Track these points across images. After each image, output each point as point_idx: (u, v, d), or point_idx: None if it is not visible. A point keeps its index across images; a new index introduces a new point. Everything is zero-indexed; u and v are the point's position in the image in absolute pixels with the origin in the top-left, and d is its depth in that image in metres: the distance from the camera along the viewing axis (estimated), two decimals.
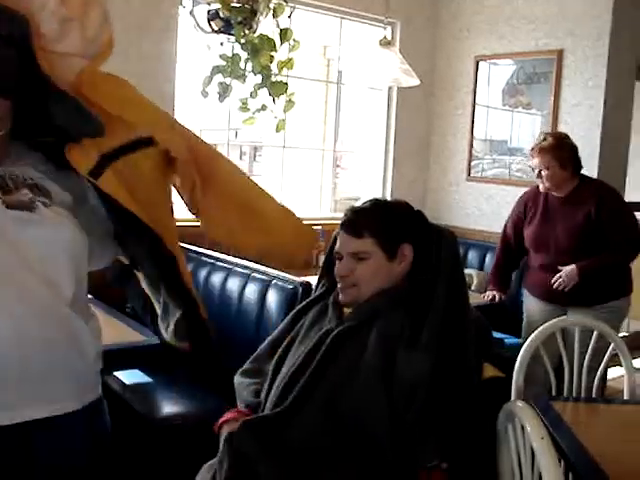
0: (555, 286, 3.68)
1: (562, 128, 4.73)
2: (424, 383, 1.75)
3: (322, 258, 4.71)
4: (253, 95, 3.95)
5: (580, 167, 3.76)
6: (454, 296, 1.90)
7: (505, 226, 4.06)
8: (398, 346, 1.81)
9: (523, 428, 1.69)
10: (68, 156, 1.50)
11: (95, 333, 1.61)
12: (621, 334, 4.11)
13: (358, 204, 2.08)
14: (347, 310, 1.98)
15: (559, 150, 3.68)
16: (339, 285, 1.99)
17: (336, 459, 1.75)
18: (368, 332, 1.87)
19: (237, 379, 2.11)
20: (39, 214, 1.46)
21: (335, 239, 2.09)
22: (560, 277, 3.66)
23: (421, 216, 2.04)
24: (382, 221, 1.96)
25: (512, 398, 2.60)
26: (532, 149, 3.81)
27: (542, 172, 3.70)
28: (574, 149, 3.74)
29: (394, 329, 1.85)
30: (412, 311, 1.87)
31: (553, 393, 2.80)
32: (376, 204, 2.04)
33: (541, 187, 3.78)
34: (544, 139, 3.75)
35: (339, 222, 2.03)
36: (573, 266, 3.63)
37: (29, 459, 1.50)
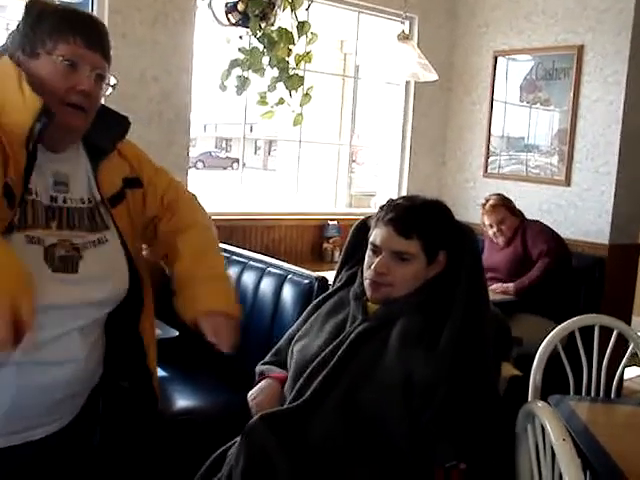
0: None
1: (581, 124, 4.69)
2: (442, 383, 1.74)
3: (337, 253, 4.70)
4: (271, 89, 3.93)
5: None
6: (474, 295, 1.89)
7: None
8: (418, 346, 1.79)
9: (543, 428, 1.67)
10: (99, 175, 1.60)
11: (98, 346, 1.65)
12: None
13: (397, 199, 1.99)
14: (372, 306, 1.95)
15: (507, 203, 4.42)
16: (371, 280, 1.93)
17: (353, 455, 1.73)
18: (389, 331, 1.85)
19: (259, 368, 2.10)
20: (83, 268, 1.49)
21: (357, 233, 2.07)
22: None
23: (453, 219, 2.00)
24: (431, 226, 1.92)
25: (530, 397, 2.58)
26: (483, 206, 4.46)
27: (501, 226, 4.36)
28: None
29: (415, 329, 1.83)
30: (434, 312, 1.86)
31: (571, 393, 2.77)
32: (426, 206, 1.97)
33: (500, 241, 4.39)
34: (488, 200, 4.45)
35: (355, 217, 2.00)
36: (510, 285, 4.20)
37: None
